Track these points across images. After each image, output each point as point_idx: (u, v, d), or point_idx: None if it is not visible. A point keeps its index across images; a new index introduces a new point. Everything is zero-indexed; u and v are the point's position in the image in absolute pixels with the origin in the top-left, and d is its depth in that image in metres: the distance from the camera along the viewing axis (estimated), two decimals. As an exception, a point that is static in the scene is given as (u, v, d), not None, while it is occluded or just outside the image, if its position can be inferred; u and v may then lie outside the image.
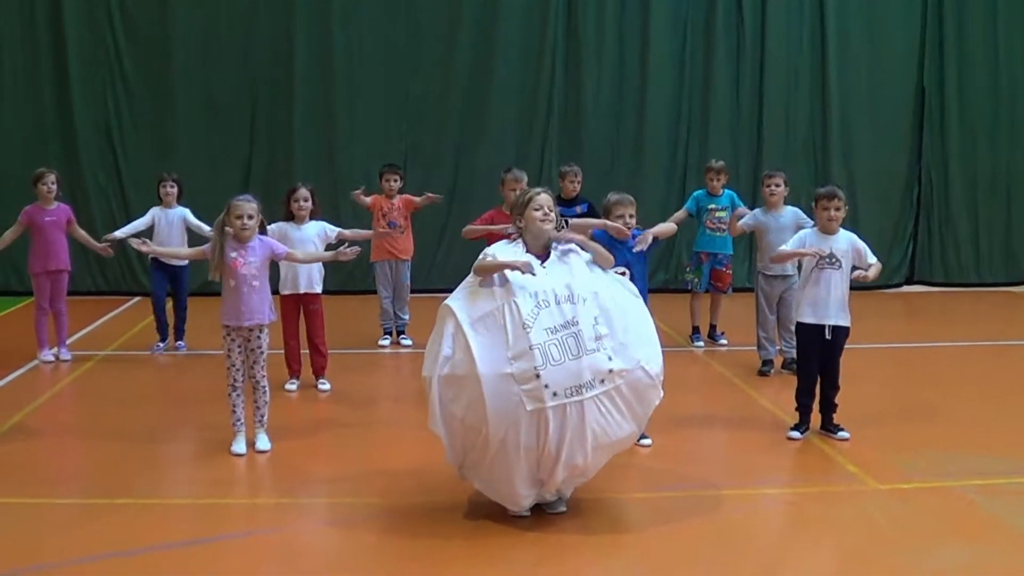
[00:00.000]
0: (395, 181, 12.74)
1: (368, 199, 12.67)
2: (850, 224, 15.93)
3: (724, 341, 12.71)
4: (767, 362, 11.22)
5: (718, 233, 12.28)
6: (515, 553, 6.60)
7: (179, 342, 12.51)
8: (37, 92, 16.28)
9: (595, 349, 6.55)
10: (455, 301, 6.84)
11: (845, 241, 8.83)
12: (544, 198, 7.09)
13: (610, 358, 6.59)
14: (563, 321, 6.56)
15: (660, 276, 16.63)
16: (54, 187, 11.77)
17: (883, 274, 16.61)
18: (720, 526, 7.05)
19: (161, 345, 12.39)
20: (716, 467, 8.38)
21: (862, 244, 8.88)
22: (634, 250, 8.32)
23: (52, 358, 11.82)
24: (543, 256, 6.97)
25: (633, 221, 8.38)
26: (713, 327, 12.84)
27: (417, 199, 12.80)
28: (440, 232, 16.38)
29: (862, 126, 17.11)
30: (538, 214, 7.02)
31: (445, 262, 16.40)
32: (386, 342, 12.74)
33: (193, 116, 16.45)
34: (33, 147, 15.87)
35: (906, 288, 17.43)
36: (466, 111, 16.78)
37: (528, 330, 6.49)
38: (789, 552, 6.77)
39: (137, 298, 15.92)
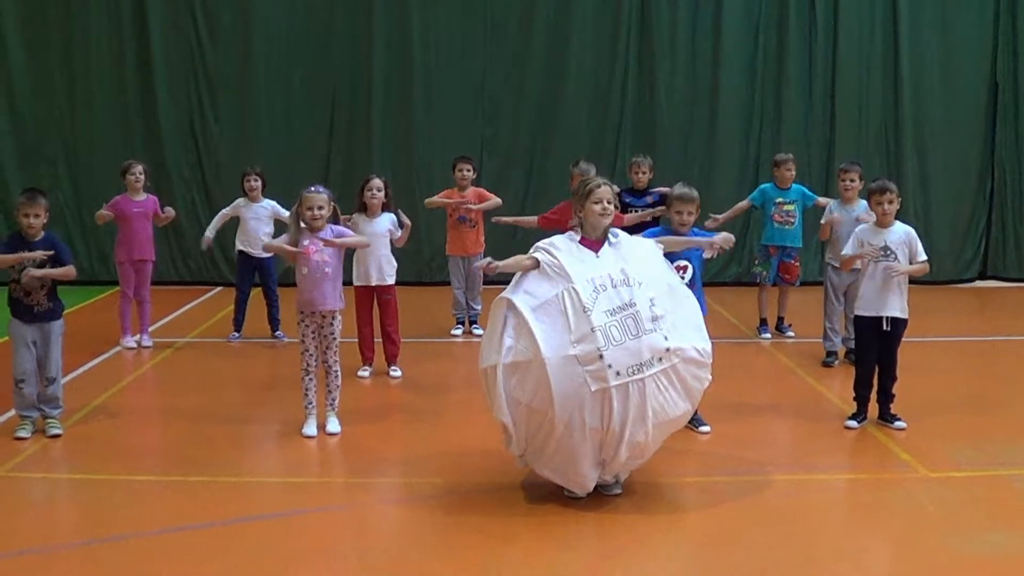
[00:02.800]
0: (468, 171, 12.90)
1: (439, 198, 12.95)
2: (923, 218, 16.22)
3: (791, 333, 12.82)
4: (831, 353, 11.36)
5: (786, 226, 12.38)
6: (570, 531, 6.86)
7: (277, 332, 12.66)
8: (122, 88, 16.71)
9: (652, 329, 6.80)
10: (513, 293, 7.12)
11: (901, 233, 8.94)
12: (604, 191, 7.27)
13: (666, 337, 6.83)
14: (621, 303, 6.81)
15: (733, 269, 16.77)
16: (142, 177, 12.19)
17: (956, 268, 16.93)
18: (771, 510, 7.26)
19: (236, 335, 12.68)
20: (773, 454, 8.55)
21: (916, 239, 8.98)
22: (704, 256, 8.52)
23: (134, 344, 12.16)
24: (599, 244, 7.20)
25: (691, 219, 8.54)
26: (780, 319, 12.95)
27: (494, 199, 13.04)
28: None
29: (935, 120, 17.04)
30: (597, 207, 7.22)
31: (520, 254, 16.57)
32: (458, 332, 13.01)
33: (273, 110, 16.82)
34: (119, 141, 16.35)
35: (979, 283, 17.33)
36: (541, 104, 16.96)
37: (589, 313, 6.75)
38: (836, 535, 6.94)
39: (219, 288, 16.32)
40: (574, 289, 6.85)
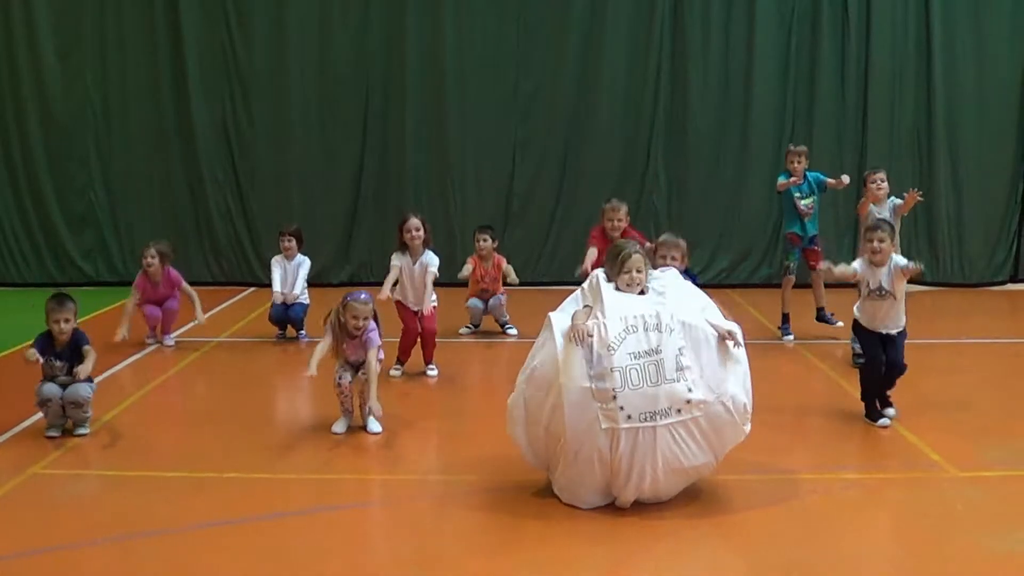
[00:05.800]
0: (484, 241, 12.95)
1: (469, 269, 12.81)
2: (954, 220, 16.19)
3: (836, 322, 12.67)
4: (859, 353, 11.32)
5: (805, 217, 12.54)
6: (601, 529, 6.88)
7: (300, 332, 12.63)
8: (157, 93, 16.84)
9: (675, 379, 6.77)
10: (556, 314, 7.21)
11: (891, 271, 8.98)
12: (635, 260, 7.23)
13: (690, 389, 6.80)
14: (647, 348, 6.79)
15: (764, 271, 16.75)
16: (154, 261, 12.25)
17: (987, 271, 16.83)
18: (799, 507, 7.29)
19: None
20: (800, 452, 8.61)
21: (902, 260, 8.99)
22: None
23: (125, 336, 11.80)
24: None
25: (675, 263, 8.58)
26: (820, 309, 12.79)
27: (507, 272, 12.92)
28: (547, 227, 16.69)
29: (967, 121, 16.89)
30: (625, 278, 7.22)
31: (552, 257, 16.65)
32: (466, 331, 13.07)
33: (307, 112, 16.89)
34: (155, 146, 16.58)
35: (1010, 286, 17.18)
36: (574, 109, 16.94)
37: (612, 352, 6.76)
38: (865, 534, 6.92)
39: (251, 288, 16.38)
40: (604, 325, 6.87)
